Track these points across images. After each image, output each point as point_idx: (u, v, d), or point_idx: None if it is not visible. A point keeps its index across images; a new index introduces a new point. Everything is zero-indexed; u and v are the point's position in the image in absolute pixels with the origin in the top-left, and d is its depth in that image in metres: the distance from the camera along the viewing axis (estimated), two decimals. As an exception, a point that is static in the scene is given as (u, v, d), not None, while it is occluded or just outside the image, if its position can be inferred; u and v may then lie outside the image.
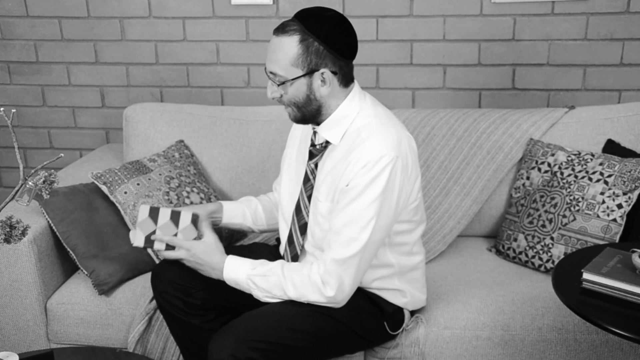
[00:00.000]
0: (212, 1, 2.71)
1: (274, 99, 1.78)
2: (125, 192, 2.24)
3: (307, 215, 1.85)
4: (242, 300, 1.92)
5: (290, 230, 1.90)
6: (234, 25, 2.73)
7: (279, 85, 1.73)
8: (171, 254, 1.84)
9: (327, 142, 1.81)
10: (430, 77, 2.68)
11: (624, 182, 2.12)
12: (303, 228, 1.87)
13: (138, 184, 2.27)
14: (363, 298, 1.85)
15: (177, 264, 1.89)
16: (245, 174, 2.52)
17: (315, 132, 1.84)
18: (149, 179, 2.30)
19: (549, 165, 2.26)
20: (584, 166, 2.19)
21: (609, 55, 2.55)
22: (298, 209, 1.87)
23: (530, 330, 1.94)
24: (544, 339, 1.94)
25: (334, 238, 1.72)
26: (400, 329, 1.93)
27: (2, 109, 1.50)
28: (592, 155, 2.23)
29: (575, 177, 2.18)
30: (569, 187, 2.17)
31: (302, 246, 1.88)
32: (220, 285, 1.88)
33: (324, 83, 1.72)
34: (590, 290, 1.68)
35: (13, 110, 1.56)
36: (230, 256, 1.82)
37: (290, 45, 1.68)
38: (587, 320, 1.58)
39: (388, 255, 1.83)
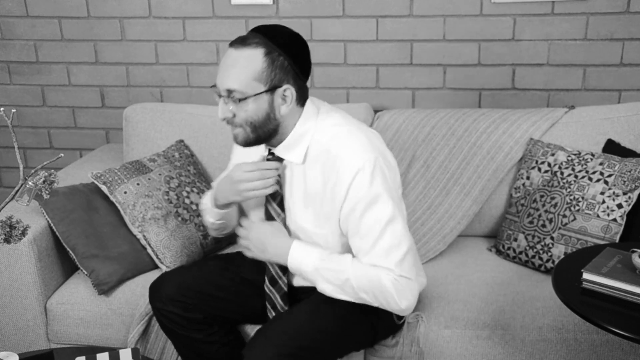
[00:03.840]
0: (212, 1, 2.71)
1: (224, 120, 1.66)
2: (125, 192, 2.24)
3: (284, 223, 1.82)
4: (242, 310, 1.91)
5: (270, 272, 1.87)
6: (234, 25, 2.73)
7: (239, 101, 1.61)
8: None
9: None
10: (430, 77, 2.68)
11: (624, 182, 2.12)
12: (284, 268, 1.83)
13: (138, 184, 2.27)
14: None
15: (174, 278, 1.87)
16: (245, 174, 2.52)
17: (270, 151, 1.77)
18: (149, 179, 2.30)
19: (549, 165, 2.26)
20: (584, 166, 2.19)
21: (609, 55, 2.55)
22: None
23: (531, 330, 1.94)
24: (544, 339, 1.93)
25: (376, 258, 1.67)
26: (403, 320, 1.94)
27: (2, 109, 1.50)
28: (592, 155, 2.23)
29: (575, 177, 2.18)
30: (569, 187, 2.17)
31: (288, 284, 1.87)
32: (220, 297, 1.88)
33: (284, 101, 1.65)
34: (590, 290, 1.68)
35: (13, 110, 1.56)
36: (296, 242, 1.74)
37: (254, 58, 1.59)
38: (587, 320, 1.58)
39: None
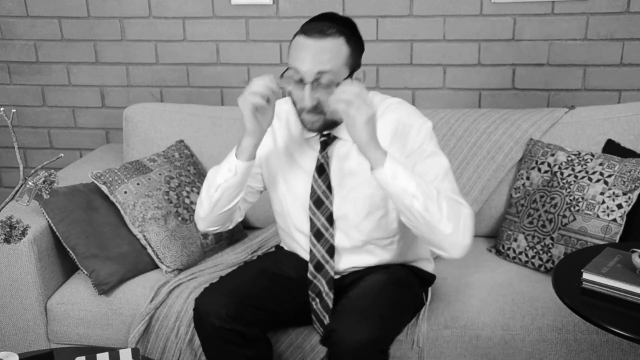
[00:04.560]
0: (212, 1, 2.71)
1: (310, 108, 1.66)
2: (125, 192, 2.24)
3: (332, 205, 1.82)
4: (294, 309, 1.90)
5: (316, 225, 1.85)
6: (234, 25, 2.73)
7: (329, 87, 1.64)
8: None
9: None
10: (430, 77, 2.68)
11: (624, 182, 2.12)
12: (330, 219, 1.83)
13: (138, 184, 2.27)
14: (408, 271, 1.90)
15: (226, 292, 1.80)
16: (245, 174, 2.52)
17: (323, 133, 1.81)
18: (149, 179, 2.30)
19: (549, 165, 2.26)
20: (584, 166, 2.19)
21: (609, 55, 2.55)
22: (319, 203, 1.83)
23: (531, 330, 1.94)
24: (544, 339, 1.94)
25: (447, 193, 1.67)
26: (429, 299, 2.01)
27: (2, 109, 1.50)
28: (592, 155, 2.23)
29: (575, 177, 2.18)
30: (569, 187, 2.17)
31: (333, 236, 1.85)
32: (272, 310, 1.86)
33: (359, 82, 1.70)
34: (590, 290, 1.68)
35: (13, 110, 1.56)
36: (390, 157, 1.61)
37: (340, 47, 1.66)
38: (587, 320, 1.59)
39: None
